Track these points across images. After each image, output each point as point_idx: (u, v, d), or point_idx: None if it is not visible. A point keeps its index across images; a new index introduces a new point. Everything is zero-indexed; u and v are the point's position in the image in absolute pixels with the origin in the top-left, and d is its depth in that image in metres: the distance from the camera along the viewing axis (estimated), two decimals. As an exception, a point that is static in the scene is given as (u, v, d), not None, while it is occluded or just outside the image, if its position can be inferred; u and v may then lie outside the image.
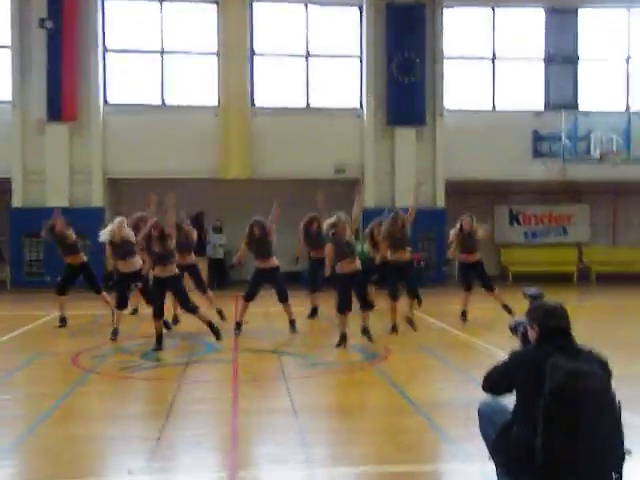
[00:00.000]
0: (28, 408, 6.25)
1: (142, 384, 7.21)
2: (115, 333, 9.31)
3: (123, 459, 4.81)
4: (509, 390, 3.74)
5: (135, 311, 11.31)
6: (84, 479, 4.39)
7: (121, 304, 9.55)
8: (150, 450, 4.86)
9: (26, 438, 5.19)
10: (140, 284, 9.85)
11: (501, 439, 3.69)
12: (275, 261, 9.82)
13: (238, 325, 9.77)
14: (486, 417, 3.96)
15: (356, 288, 8.90)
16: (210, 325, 9.10)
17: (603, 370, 3.48)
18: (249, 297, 9.78)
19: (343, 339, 8.78)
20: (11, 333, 9.95)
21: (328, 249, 8.98)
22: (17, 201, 16.18)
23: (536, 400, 3.41)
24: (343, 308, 8.81)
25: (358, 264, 8.93)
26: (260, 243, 9.69)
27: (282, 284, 9.92)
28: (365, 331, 9.16)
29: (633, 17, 17.78)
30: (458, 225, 10.92)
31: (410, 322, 9.85)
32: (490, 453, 3.86)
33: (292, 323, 9.94)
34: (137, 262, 9.74)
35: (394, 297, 9.67)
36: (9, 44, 16.08)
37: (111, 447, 5.13)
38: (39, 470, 4.58)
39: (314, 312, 11.30)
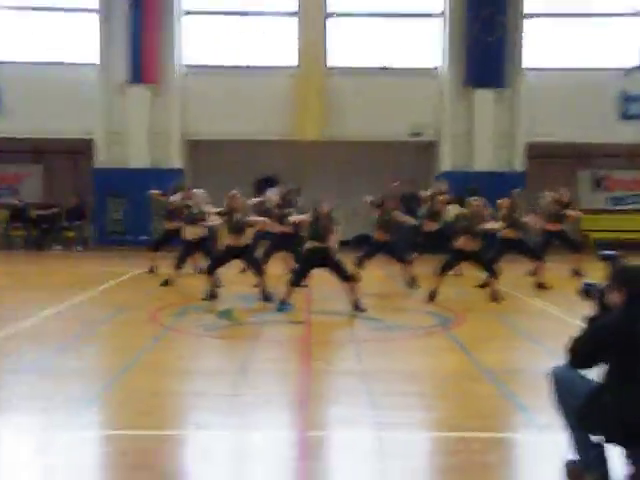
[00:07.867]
0: (110, 361, 6.56)
1: (217, 342, 7.40)
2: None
3: (196, 414, 4.97)
4: (605, 360, 3.52)
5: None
6: (159, 431, 4.56)
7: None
8: (225, 407, 5.00)
9: (107, 389, 5.43)
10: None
11: (590, 408, 3.53)
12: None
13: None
14: (563, 385, 3.75)
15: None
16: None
17: None
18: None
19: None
20: (96, 288, 10.39)
21: None
22: (100, 161, 16.68)
23: (634, 366, 3.28)
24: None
25: None
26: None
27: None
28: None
29: None
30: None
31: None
32: (571, 421, 3.66)
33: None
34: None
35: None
36: (96, 8, 16.45)
37: (186, 402, 5.30)
38: (118, 421, 4.79)
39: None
